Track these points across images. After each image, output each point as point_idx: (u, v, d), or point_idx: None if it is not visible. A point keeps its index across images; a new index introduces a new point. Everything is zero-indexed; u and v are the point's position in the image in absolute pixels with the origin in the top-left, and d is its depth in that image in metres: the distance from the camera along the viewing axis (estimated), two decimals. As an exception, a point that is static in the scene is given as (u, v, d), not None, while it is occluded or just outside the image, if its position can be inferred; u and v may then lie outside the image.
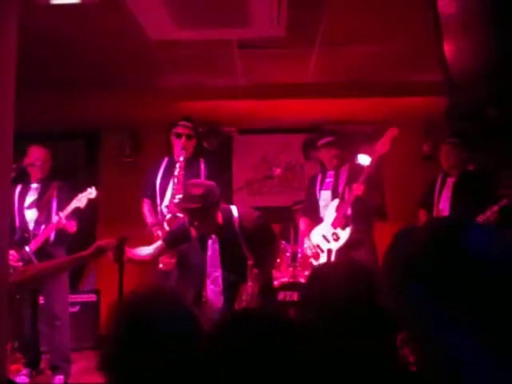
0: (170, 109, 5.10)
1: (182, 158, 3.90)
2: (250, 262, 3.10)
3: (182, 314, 1.24)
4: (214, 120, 5.62)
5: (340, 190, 4.06)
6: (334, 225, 3.95)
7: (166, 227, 3.73)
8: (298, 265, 4.70)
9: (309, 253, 4.14)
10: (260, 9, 3.38)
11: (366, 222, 4.03)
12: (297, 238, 5.11)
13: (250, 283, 3.07)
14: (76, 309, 4.80)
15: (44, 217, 3.96)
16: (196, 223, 3.05)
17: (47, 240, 3.93)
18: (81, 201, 3.87)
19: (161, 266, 3.74)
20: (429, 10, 2.24)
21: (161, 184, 3.97)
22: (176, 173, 3.86)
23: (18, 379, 3.62)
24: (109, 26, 3.66)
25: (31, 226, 3.97)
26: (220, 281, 3.24)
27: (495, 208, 3.65)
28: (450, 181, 4.13)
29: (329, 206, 4.07)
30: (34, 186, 4.10)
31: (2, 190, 2.33)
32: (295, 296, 4.52)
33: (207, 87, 4.97)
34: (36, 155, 4.04)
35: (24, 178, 4.10)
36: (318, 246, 4.04)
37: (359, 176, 3.90)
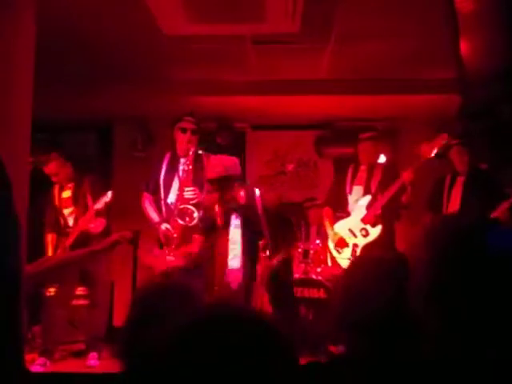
0: (183, 104, 5.11)
1: (191, 152, 3.94)
2: (261, 242, 3.16)
3: (191, 304, 1.26)
4: (226, 115, 5.64)
5: (372, 187, 4.09)
6: (364, 221, 3.97)
7: (179, 221, 3.76)
8: (310, 261, 4.71)
9: (331, 245, 4.15)
10: (275, 4, 3.38)
11: (391, 222, 4.07)
12: (308, 235, 5.11)
13: (261, 265, 3.12)
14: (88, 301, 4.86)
15: (82, 212, 4.17)
16: (218, 195, 3.12)
17: (87, 235, 4.15)
18: (100, 204, 4.08)
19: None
20: (445, 8, 2.23)
21: (165, 179, 4.01)
22: (186, 167, 3.90)
23: (32, 368, 3.68)
24: (124, 20, 3.67)
25: (71, 222, 4.27)
26: (240, 259, 3.28)
27: (505, 205, 3.64)
28: (460, 180, 4.11)
29: (359, 201, 4.08)
30: (68, 185, 4.36)
31: (18, 185, 2.37)
32: (306, 292, 4.53)
33: (221, 82, 4.98)
34: (52, 171, 4.30)
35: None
36: (342, 238, 4.07)
37: (393, 177, 3.93)
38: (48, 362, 3.92)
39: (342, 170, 4.41)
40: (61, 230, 4.27)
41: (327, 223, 4.26)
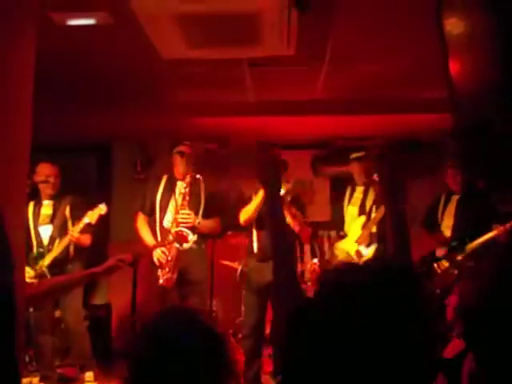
0: (181, 125, 5.16)
1: (189, 176, 3.99)
2: None
3: (203, 330, 1.24)
4: (224, 136, 5.68)
5: (367, 207, 4.07)
6: (358, 241, 3.95)
7: (175, 244, 3.79)
8: (307, 282, 4.68)
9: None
10: (270, 29, 3.44)
11: (385, 240, 4.03)
12: (303, 256, 5.09)
13: None
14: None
15: (58, 232, 4.09)
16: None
17: (65, 256, 4.07)
18: (92, 217, 3.99)
19: (161, 281, 3.78)
20: (435, 28, 2.27)
21: (161, 201, 4.04)
22: (183, 190, 3.94)
23: None
24: (122, 45, 3.73)
25: (46, 241, 4.12)
26: None
27: (506, 227, 3.61)
28: (455, 198, 4.11)
29: (354, 222, 4.06)
30: (47, 202, 4.25)
31: (16, 205, 2.39)
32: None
33: (218, 104, 5.03)
34: (46, 172, 4.19)
35: (36, 195, 4.25)
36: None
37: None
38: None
39: (339, 191, 4.44)
40: (33, 248, 4.14)
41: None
